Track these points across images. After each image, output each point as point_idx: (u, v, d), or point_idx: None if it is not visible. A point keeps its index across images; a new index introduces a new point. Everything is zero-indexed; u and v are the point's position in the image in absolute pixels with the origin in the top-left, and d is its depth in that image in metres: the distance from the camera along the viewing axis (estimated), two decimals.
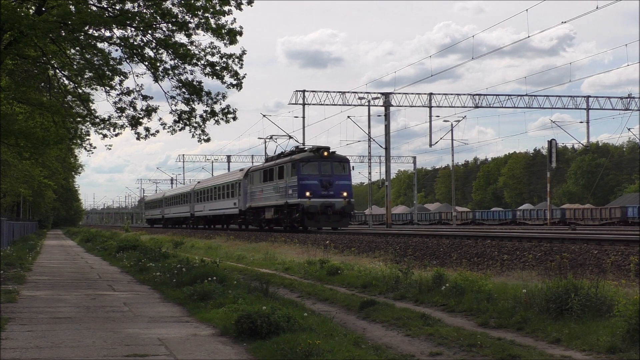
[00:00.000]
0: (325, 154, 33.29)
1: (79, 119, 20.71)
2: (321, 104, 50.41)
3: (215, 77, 16.55)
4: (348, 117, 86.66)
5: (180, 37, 16.21)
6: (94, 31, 15.74)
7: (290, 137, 45.36)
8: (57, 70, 18.77)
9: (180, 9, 15.70)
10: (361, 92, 51.84)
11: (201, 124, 17.42)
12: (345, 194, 32.53)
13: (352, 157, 73.10)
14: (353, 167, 34.80)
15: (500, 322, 8.96)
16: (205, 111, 17.24)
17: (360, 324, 9.87)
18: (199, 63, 16.41)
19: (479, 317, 9.42)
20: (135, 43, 16.19)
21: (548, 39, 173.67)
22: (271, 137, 45.57)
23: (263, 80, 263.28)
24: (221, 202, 47.01)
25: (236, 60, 16.58)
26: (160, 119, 17.78)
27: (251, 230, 41.06)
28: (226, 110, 17.30)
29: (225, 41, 16.18)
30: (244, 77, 16.84)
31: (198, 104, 17.17)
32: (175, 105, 17.28)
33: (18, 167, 38.05)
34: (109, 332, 8.22)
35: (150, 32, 16.00)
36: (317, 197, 32.04)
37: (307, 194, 32.03)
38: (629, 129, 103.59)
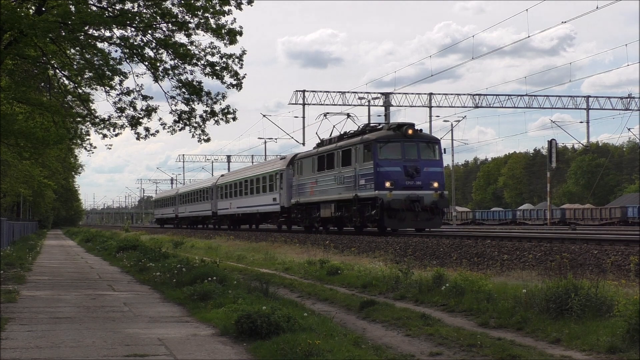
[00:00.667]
0: (410, 132, 25.70)
1: (79, 119, 20.74)
2: (321, 104, 50.51)
3: (215, 77, 16.58)
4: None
5: (180, 37, 16.29)
6: (94, 31, 15.79)
7: (349, 116, 35.17)
8: (57, 70, 18.80)
9: (180, 9, 15.74)
10: (361, 92, 51.95)
11: (201, 124, 17.47)
12: (436, 184, 25.45)
13: None
14: (444, 149, 26.41)
15: (500, 322, 8.95)
16: (205, 111, 17.29)
17: (360, 324, 9.86)
18: (199, 63, 16.46)
19: (479, 317, 9.41)
20: (135, 43, 16.22)
21: (548, 39, 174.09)
22: (325, 115, 36.49)
23: (263, 80, 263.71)
24: (255, 198, 39.67)
25: (236, 60, 16.62)
26: (160, 119, 17.85)
27: (294, 231, 33.98)
28: (226, 111, 17.33)
29: (225, 41, 16.22)
30: (244, 77, 16.89)
31: (198, 104, 17.23)
32: (175, 105, 17.34)
33: (18, 167, 38.11)
34: (109, 332, 8.22)
35: (150, 32, 16.03)
36: (401, 188, 24.91)
37: (388, 184, 24.93)
38: (629, 129, 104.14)
